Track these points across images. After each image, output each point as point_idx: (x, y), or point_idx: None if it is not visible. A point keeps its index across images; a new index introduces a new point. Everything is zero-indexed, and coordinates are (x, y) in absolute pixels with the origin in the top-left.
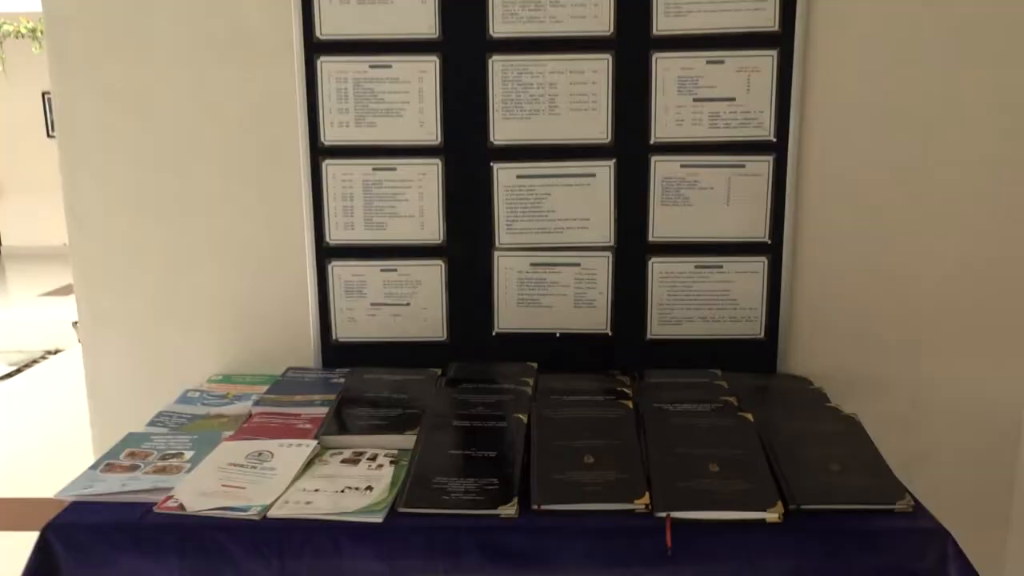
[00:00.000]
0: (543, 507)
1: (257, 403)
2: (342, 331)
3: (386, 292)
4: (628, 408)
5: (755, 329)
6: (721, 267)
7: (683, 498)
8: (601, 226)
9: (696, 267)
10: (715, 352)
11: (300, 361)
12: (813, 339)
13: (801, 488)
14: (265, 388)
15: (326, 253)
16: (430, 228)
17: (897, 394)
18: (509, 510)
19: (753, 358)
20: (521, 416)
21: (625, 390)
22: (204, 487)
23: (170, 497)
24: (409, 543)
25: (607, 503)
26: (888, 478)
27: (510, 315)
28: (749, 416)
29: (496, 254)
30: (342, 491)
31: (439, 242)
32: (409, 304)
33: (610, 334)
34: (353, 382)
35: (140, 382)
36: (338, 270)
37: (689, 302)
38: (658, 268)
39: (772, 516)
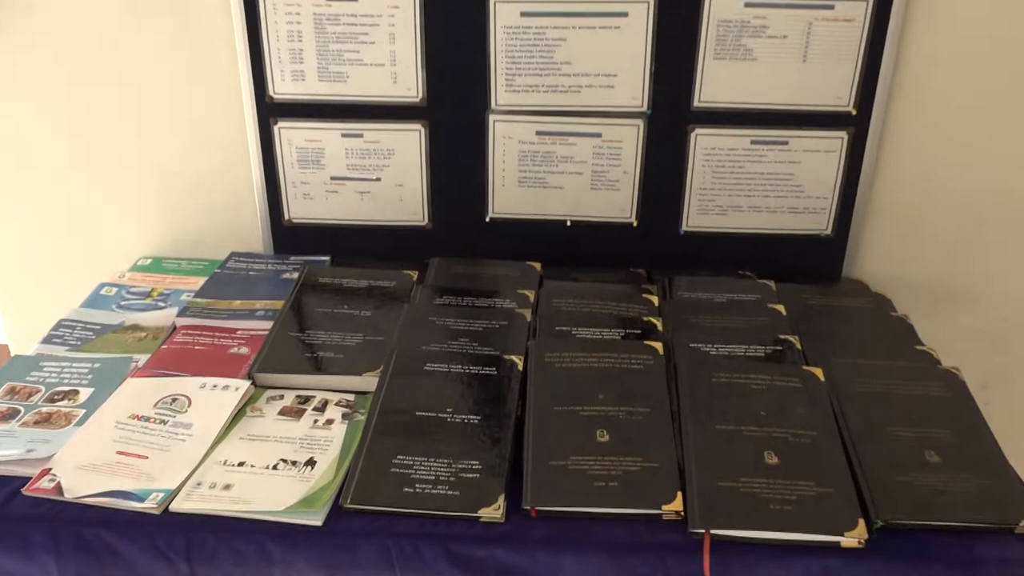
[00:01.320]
0: (538, 509)
1: (184, 311)
2: (296, 210)
3: (349, 164)
4: (657, 353)
5: (820, 223)
6: (786, 143)
7: (728, 507)
8: (631, 85)
9: (753, 142)
10: (765, 250)
11: (247, 245)
12: (891, 239)
13: (888, 495)
14: (200, 281)
15: (271, 111)
16: (405, 81)
17: (986, 308)
18: (493, 513)
19: (813, 258)
20: (516, 360)
21: (652, 320)
22: (93, 456)
23: (47, 472)
24: (357, 554)
25: (624, 507)
26: (1007, 477)
27: (509, 197)
28: (818, 373)
29: (492, 118)
30: (274, 467)
31: (417, 100)
32: (379, 180)
33: (635, 224)
34: (305, 288)
35: (58, 268)
36: (287, 133)
37: (739, 187)
38: (703, 142)
39: (850, 541)
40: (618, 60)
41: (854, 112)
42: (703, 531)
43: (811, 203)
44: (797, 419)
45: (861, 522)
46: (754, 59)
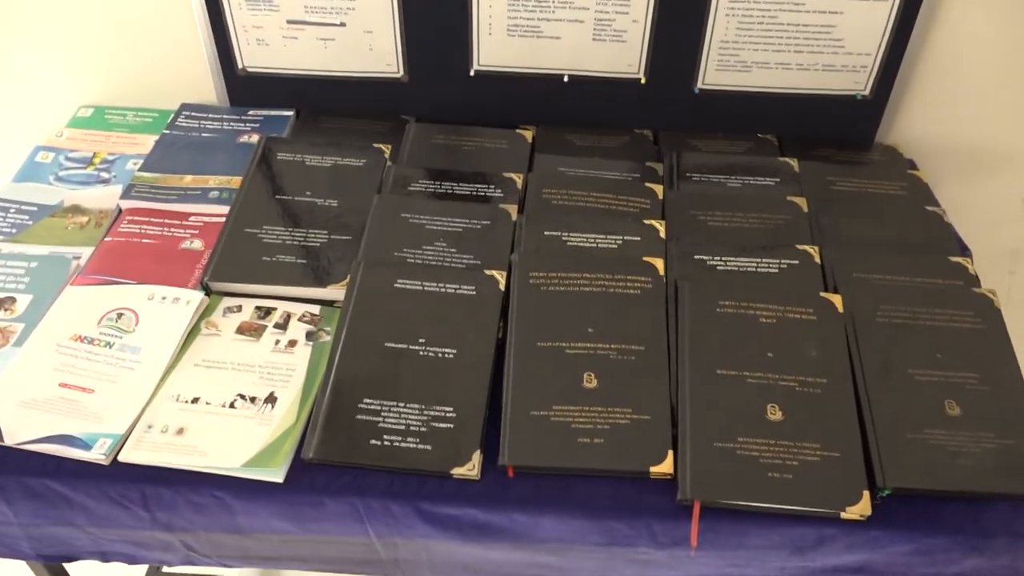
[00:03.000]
0: (516, 466)
1: (130, 189)
2: (249, 59)
3: (307, 5)
4: (657, 274)
5: (859, 83)
6: None
7: (722, 474)
8: None
9: None
10: (790, 112)
11: (200, 95)
12: (934, 102)
13: (898, 459)
14: (148, 141)
15: None
16: None
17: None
18: (468, 471)
19: (845, 122)
20: (498, 276)
21: (655, 224)
22: (34, 389)
23: None
24: (324, 510)
25: (610, 466)
26: None
27: (496, 48)
28: (836, 302)
29: None
30: (231, 404)
31: None
32: (344, 25)
33: (643, 81)
34: (262, 168)
35: None
36: None
37: (768, 40)
38: None
39: (852, 515)
40: None
41: None
42: (692, 499)
43: (851, 60)
44: (808, 362)
45: (866, 495)
46: None
